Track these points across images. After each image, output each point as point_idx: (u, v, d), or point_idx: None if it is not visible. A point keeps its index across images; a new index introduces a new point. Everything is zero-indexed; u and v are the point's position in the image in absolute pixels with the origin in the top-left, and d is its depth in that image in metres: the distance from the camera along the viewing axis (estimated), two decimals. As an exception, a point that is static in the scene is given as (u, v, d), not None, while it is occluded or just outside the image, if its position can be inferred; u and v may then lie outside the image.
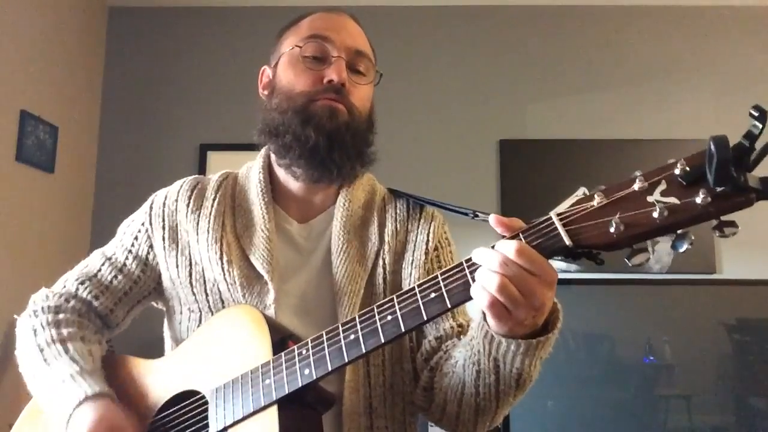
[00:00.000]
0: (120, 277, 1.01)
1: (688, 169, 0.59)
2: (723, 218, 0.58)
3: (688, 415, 2.33)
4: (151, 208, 1.04)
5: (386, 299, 0.75)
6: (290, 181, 1.01)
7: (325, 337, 0.78)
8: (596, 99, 3.05)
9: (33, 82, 2.60)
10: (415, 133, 3.02)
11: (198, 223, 0.99)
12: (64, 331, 0.94)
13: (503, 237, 0.69)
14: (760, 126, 0.54)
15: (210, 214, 1.00)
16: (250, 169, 1.06)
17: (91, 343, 0.95)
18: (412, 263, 0.98)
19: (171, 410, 0.90)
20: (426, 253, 0.99)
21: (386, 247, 0.99)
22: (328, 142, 0.93)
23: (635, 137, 2.95)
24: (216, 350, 0.88)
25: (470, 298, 0.69)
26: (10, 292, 2.36)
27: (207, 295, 0.97)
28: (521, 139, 3.01)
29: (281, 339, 0.83)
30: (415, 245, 1.00)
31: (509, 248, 0.65)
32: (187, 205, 1.01)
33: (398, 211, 1.03)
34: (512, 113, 3.06)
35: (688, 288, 2.45)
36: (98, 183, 3.05)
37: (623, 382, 2.38)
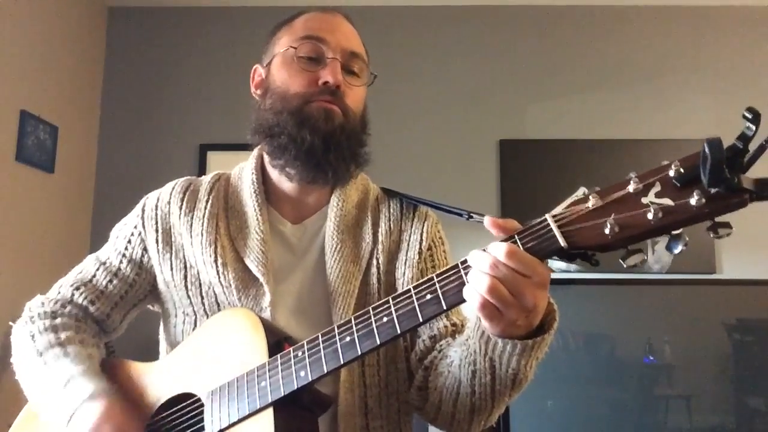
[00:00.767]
0: (115, 281, 1.01)
1: (682, 170, 0.59)
2: (717, 219, 0.59)
3: (688, 415, 2.33)
4: (143, 210, 1.03)
5: (382, 301, 0.75)
6: (284, 182, 1.01)
7: (320, 339, 0.78)
8: (596, 99, 3.05)
9: (33, 82, 2.60)
10: (414, 133, 3.02)
11: (191, 226, 0.99)
12: (62, 335, 0.94)
13: (502, 239, 0.69)
14: (754, 128, 0.55)
15: (203, 216, 0.99)
16: (243, 169, 1.06)
17: (90, 347, 0.95)
18: (405, 263, 0.98)
19: (167, 413, 0.90)
20: (420, 253, 0.99)
21: (380, 247, 0.99)
22: (324, 144, 0.93)
23: (635, 137, 2.95)
24: (212, 353, 0.88)
25: (465, 300, 0.69)
26: (10, 291, 2.36)
27: (202, 298, 0.97)
28: (521, 139, 3.01)
29: (277, 341, 0.83)
30: (408, 245, 1.00)
31: (499, 250, 0.65)
32: (180, 207, 1.01)
33: (392, 210, 1.03)
34: (512, 113, 3.06)
35: (688, 288, 2.44)
36: (98, 183, 3.05)
37: (623, 382, 2.38)
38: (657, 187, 0.61)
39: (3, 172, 2.42)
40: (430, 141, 3.03)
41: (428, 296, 0.71)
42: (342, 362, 0.76)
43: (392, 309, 0.73)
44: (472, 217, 0.91)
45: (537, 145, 2.99)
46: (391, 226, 1.01)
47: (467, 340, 0.81)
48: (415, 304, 0.72)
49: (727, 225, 0.58)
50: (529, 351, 0.72)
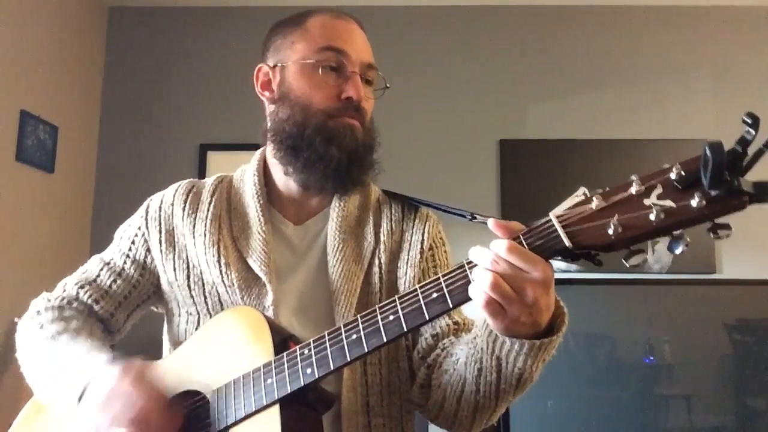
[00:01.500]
0: (119, 281, 1.02)
1: (683, 173, 0.60)
2: (717, 221, 0.60)
3: (688, 415, 2.33)
4: (147, 212, 1.04)
5: (388, 300, 0.76)
6: (289, 185, 1.02)
7: (327, 337, 0.79)
8: (596, 99, 3.05)
9: (33, 82, 2.60)
10: (415, 133, 3.02)
11: (194, 227, 1.00)
12: (72, 323, 0.94)
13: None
14: (753, 132, 0.56)
15: (206, 217, 1.00)
16: (245, 172, 1.07)
17: (98, 339, 0.96)
18: (407, 262, 0.99)
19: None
20: (421, 253, 1.00)
21: (382, 247, 0.99)
22: (349, 160, 0.95)
23: (635, 137, 2.95)
24: (217, 351, 0.89)
25: (471, 298, 0.70)
26: (10, 291, 2.36)
27: (205, 297, 0.98)
28: (521, 139, 3.01)
29: (282, 340, 0.84)
30: (410, 245, 1.01)
31: (501, 246, 0.67)
32: (183, 209, 1.02)
33: (393, 211, 1.04)
34: (512, 113, 3.06)
35: (688, 288, 2.45)
36: (98, 183, 3.05)
37: (623, 382, 2.38)
38: (659, 189, 0.62)
39: (3, 172, 2.42)
40: (430, 141, 3.03)
41: (434, 294, 0.72)
42: (349, 359, 0.77)
43: (399, 307, 0.74)
44: (475, 218, 0.92)
45: (537, 145, 2.99)
46: (393, 226, 1.02)
47: (474, 338, 0.81)
48: (422, 302, 0.73)
49: (726, 226, 0.60)
50: (537, 351, 0.73)
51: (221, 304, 0.97)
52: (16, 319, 1.02)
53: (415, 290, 0.74)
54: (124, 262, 1.02)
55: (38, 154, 2.61)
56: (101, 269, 1.03)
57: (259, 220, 0.99)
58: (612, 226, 0.63)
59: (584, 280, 2.65)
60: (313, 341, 0.80)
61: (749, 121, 0.56)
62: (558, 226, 0.66)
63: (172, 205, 1.03)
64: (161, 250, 1.01)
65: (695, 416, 2.33)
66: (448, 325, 0.95)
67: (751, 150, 0.57)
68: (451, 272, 0.72)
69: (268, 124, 1.02)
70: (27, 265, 2.52)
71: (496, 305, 0.67)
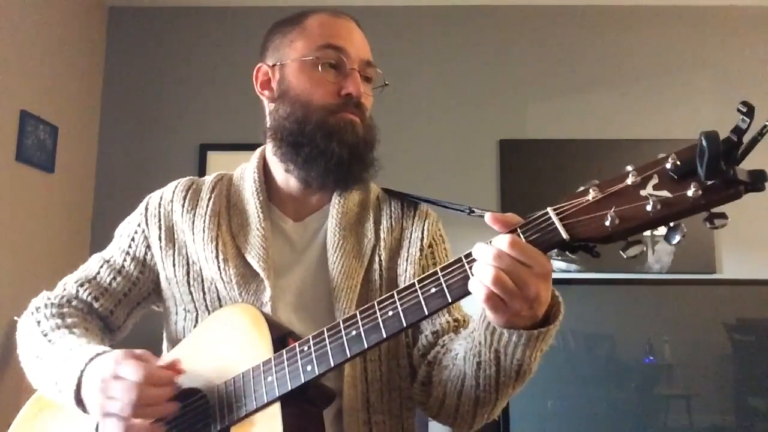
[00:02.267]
0: (119, 278, 1.02)
1: (679, 163, 0.61)
2: (713, 210, 0.60)
3: (688, 415, 2.33)
4: (146, 209, 1.05)
5: (387, 295, 0.76)
6: (289, 182, 1.02)
7: (326, 334, 0.79)
8: (596, 99, 3.05)
9: (33, 82, 2.60)
10: (415, 133, 3.02)
11: (194, 223, 1.01)
12: (69, 320, 0.95)
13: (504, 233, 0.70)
14: (748, 121, 0.56)
15: (205, 213, 1.01)
16: (245, 169, 1.08)
17: (96, 336, 0.96)
18: (407, 259, 0.99)
19: None
20: (421, 250, 1.00)
21: (382, 244, 1.00)
22: (350, 156, 0.95)
23: (635, 137, 2.95)
24: (215, 348, 0.88)
25: (470, 292, 0.70)
26: (10, 291, 2.36)
27: (204, 293, 0.98)
28: (521, 139, 3.01)
29: (281, 336, 0.84)
30: (410, 242, 1.01)
31: (503, 241, 0.67)
32: (182, 206, 1.03)
33: (393, 208, 1.04)
34: (512, 113, 3.06)
35: (688, 288, 2.45)
36: (98, 183, 3.05)
37: (623, 382, 2.38)
38: (655, 180, 0.62)
39: (3, 172, 2.42)
40: (430, 141, 3.03)
41: (433, 290, 0.72)
42: (349, 356, 0.77)
43: (397, 303, 0.74)
44: (473, 212, 0.93)
45: (537, 145, 2.99)
46: (393, 223, 1.02)
47: (472, 332, 0.82)
48: (420, 297, 0.73)
49: (723, 215, 0.60)
50: (534, 342, 0.73)
51: (219, 301, 0.97)
52: (15, 318, 1.03)
53: (414, 285, 0.74)
54: (124, 260, 1.03)
55: (38, 154, 2.60)
56: (101, 267, 1.03)
57: (258, 216, 0.99)
58: (609, 218, 0.63)
59: (584, 280, 2.65)
60: (312, 338, 0.80)
61: (744, 109, 0.56)
62: (555, 219, 0.67)
63: (172, 201, 1.04)
64: (161, 247, 1.01)
65: (695, 416, 2.33)
66: (448, 322, 0.96)
67: (746, 139, 0.57)
68: (449, 267, 0.72)
69: (268, 123, 1.03)
70: (27, 265, 2.52)
71: (498, 300, 0.67)
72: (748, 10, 3.06)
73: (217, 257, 0.96)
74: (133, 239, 1.04)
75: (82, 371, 0.82)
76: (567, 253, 0.69)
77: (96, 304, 1.01)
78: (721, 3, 3.06)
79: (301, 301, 0.97)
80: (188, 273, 1.00)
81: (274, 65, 1.02)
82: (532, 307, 0.69)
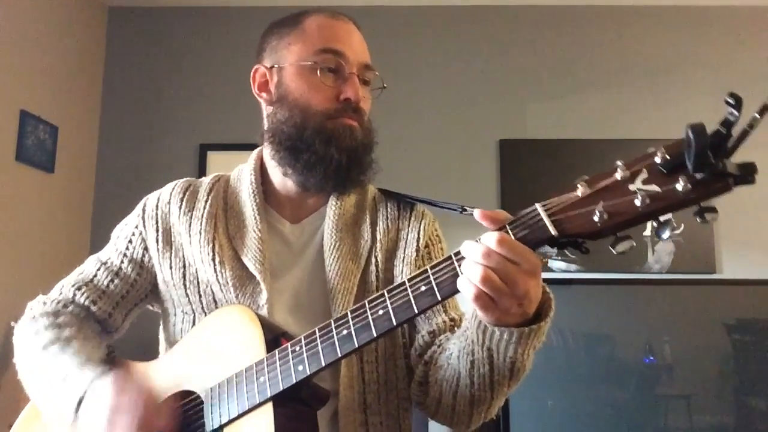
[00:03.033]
0: (116, 281, 1.02)
1: (668, 157, 0.60)
2: (703, 204, 0.60)
3: (688, 415, 2.33)
4: (143, 210, 1.04)
5: (377, 294, 0.76)
6: (286, 185, 1.02)
7: (318, 334, 0.79)
8: (596, 99, 3.05)
9: (33, 82, 2.60)
10: (414, 133, 3.02)
11: (191, 225, 1.00)
12: (66, 332, 0.94)
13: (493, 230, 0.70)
14: (737, 113, 0.56)
15: (202, 215, 1.01)
16: (242, 171, 1.07)
17: (92, 344, 0.95)
18: (403, 260, 0.99)
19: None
20: (417, 251, 1.00)
21: (378, 245, 1.00)
22: (348, 161, 0.95)
23: (635, 137, 2.94)
24: (209, 350, 0.88)
25: (459, 291, 0.70)
26: (10, 291, 2.36)
27: (200, 296, 0.98)
28: (521, 139, 3.01)
29: (274, 337, 0.84)
30: (406, 243, 1.01)
31: (491, 239, 0.67)
32: (180, 207, 1.02)
33: (389, 209, 1.04)
34: (512, 113, 3.06)
35: (688, 288, 2.45)
36: (98, 183, 3.05)
37: (623, 382, 2.38)
38: (644, 174, 0.62)
39: (3, 172, 2.42)
40: (430, 141, 3.02)
41: (423, 288, 0.72)
42: (339, 355, 0.76)
43: (387, 302, 0.74)
44: (465, 210, 0.93)
45: (537, 145, 2.99)
46: (389, 224, 1.02)
47: (465, 331, 0.82)
48: (410, 296, 0.73)
49: (713, 209, 0.59)
50: (526, 339, 0.74)
51: (216, 303, 0.97)
52: (12, 323, 1.02)
53: (404, 284, 0.74)
54: (122, 262, 1.02)
55: (38, 154, 2.60)
56: (98, 269, 1.03)
57: (255, 218, 0.99)
58: (598, 213, 0.63)
59: (584, 280, 2.65)
60: (304, 337, 0.80)
61: (732, 101, 0.56)
62: (543, 215, 0.67)
63: (169, 203, 1.03)
64: (158, 249, 1.01)
65: (695, 416, 2.33)
66: (444, 321, 0.96)
67: (736, 132, 0.57)
68: (438, 265, 0.72)
69: (266, 126, 1.02)
70: (27, 265, 2.52)
71: (487, 298, 0.67)
72: (748, 10, 3.06)
73: (213, 259, 0.96)
74: (130, 241, 1.03)
75: (78, 405, 0.83)
76: (556, 249, 0.68)
77: (93, 308, 1.00)
78: (721, 3, 3.06)
79: (298, 303, 0.97)
80: (184, 275, 0.99)
81: (271, 67, 1.01)
82: (522, 304, 0.69)
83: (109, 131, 3.09)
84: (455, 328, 0.95)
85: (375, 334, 0.74)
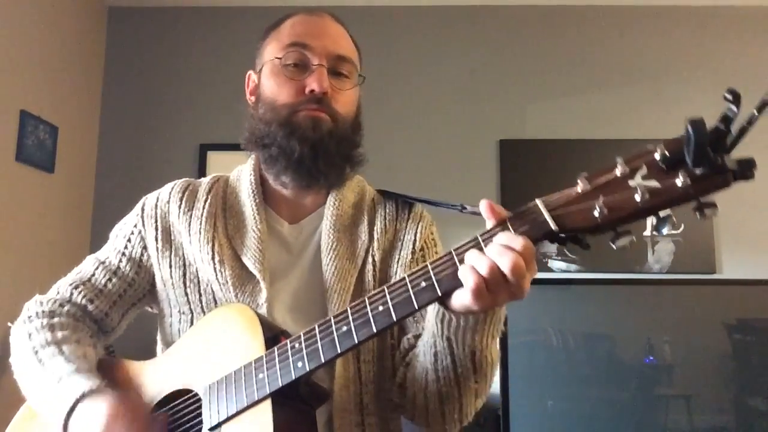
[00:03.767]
0: (114, 280, 1.01)
1: (667, 153, 0.61)
2: (703, 199, 0.60)
3: (688, 415, 2.33)
4: (142, 210, 1.04)
5: (377, 290, 0.76)
6: (280, 185, 1.02)
7: (317, 330, 0.79)
8: (596, 99, 3.05)
9: (33, 82, 2.60)
10: (414, 133, 3.02)
11: (190, 224, 1.00)
12: (59, 334, 0.93)
13: (493, 224, 0.71)
14: (735, 109, 0.57)
15: (202, 215, 1.01)
16: (241, 171, 1.07)
17: (86, 346, 0.95)
18: (398, 262, 1.00)
19: (164, 409, 0.90)
20: (412, 253, 1.00)
21: (375, 245, 1.00)
22: (313, 152, 0.94)
23: (635, 137, 2.94)
24: (208, 348, 0.88)
25: (459, 285, 0.70)
26: (9, 291, 2.36)
27: (200, 295, 0.98)
28: (521, 139, 3.01)
29: (274, 336, 0.83)
30: (402, 244, 1.01)
31: (510, 239, 0.67)
32: (179, 207, 1.02)
33: (387, 210, 1.04)
34: (512, 113, 3.06)
35: (688, 288, 2.45)
36: (98, 183, 3.05)
37: (623, 382, 2.38)
38: (643, 170, 0.62)
39: (3, 172, 2.42)
40: (430, 141, 3.03)
41: (423, 284, 0.72)
42: (339, 351, 0.76)
43: (388, 297, 0.74)
44: (465, 208, 0.92)
45: (537, 145, 2.99)
46: (387, 225, 1.02)
47: (427, 323, 0.83)
48: (411, 291, 0.72)
49: (712, 205, 0.60)
50: (482, 324, 0.75)
51: (216, 302, 0.97)
52: (9, 324, 1.01)
53: (404, 279, 0.74)
54: (120, 260, 1.02)
55: (38, 154, 2.60)
56: (96, 268, 1.02)
57: (255, 218, 0.99)
58: (597, 208, 0.63)
59: (584, 280, 2.65)
60: (304, 334, 0.79)
61: (730, 97, 0.57)
62: (544, 210, 0.67)
63: (168, 203, 1.03)
64: (157, 248, 1.01)
65: (695, 416, 2.33)
66: None
67: (736, 128, 0.57)
68: (438, 260, 0.72)
69: (246, 126, 1.04)
70: (27, 265, 2.52)
71: (485, 291, 0.68)
72: (748, 10, 3.06)
73: (213, 259, 0.96)
74: (129, 240, 1.03)
75: (68, 414, 0.83)
76: (557, 244, 0.69)
77: (90, 307, 1.00)
78: (721, 3, 3.06)
79: (296, 303, 0.97)
80: (185, 274, 0.99)
81: (257, 71, 1.03)
82: (515, 298, 0.70)
83: (109, 131, 3.09)
84: None
85: (375, 330, 0.74)
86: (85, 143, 3.00)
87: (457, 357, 0.80)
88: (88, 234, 2.98)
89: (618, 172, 0.64)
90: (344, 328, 0.76)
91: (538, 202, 0.68)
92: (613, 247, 0.65)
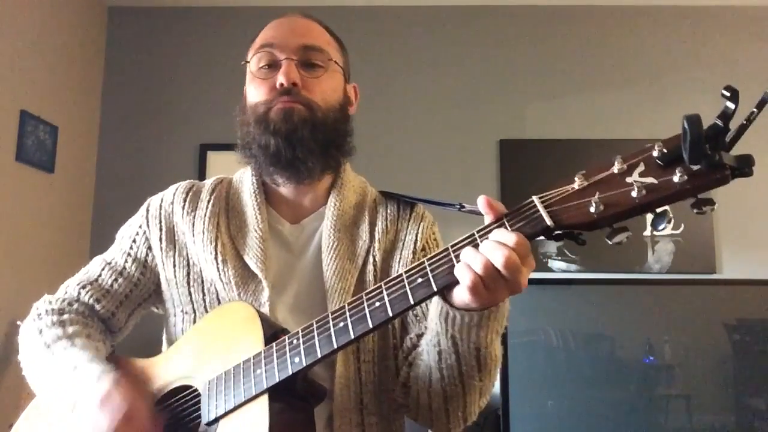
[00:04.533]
0: (120, 280, 1.03)
1: (665, 150, 0.61)
2: (700, 196, 0.60)
3: (688, 415, 2.33)
4: (147, 210, 1.06)
5: (375, 286, 0.77)
6: (279, 185, 1.03)
7: (315, 326, 0.79)
8: (596, 99, 3.05)
9: (33, 82, 2.60)
10: (415, 133, 3.02)
11: (194, 225, 1.02)
12: (70, 329, 0.95)
13: (491, 220, 0.72)
14: (733, 106, 0.56)
15: (205, 215, 1.02)
16: (244, 173, 1.09)
17: (97, 341, 0.96)
18: (399, 261, 1.00)
19: (164, 405, 0.90)
20: (414, 253, 1.01)
21: (377, 245, 1.00)
22: (287, 143, 0.95)
23: (635, 137, 2.94)
24: (209, 346, 0.89)
25: (454, 281, 0.70)
26: (10, 291, 2.36)
27: (204, 294, 0.99)
28: (521, 139, 3.01)
29: (273, 333, 0.84)
30: (403, 244, 1.02)
31: (508, 237, 0.68)
32: (183, 207, 1.03)
33: (389, 210, 1.05)
34: (512, 113, 3.06)
35: (688, 288, 2.45)
36: (98, 183, 3.05)
37: (623, 382, 2.38)
38: (641, 167, 0.62)
39: (3, 172, 2.42)
40: (430, 141, 3.03)
41: (419, 279, 0.73)
42: (335, 347, 0.76)
43: (384, 293, 0.75)
44: (464, 207, 0.92)
45: (537, 145, 2.99)
46: (388, 225, 1.03)
47: (430, 322, 0.83)
48: (407, 288, 0.73)
49: (710, 201, 0.60)
50: (486, 320, 0.75)
51: (218, 302, 0.97)
52: (18, 322, 1.03)
53: (401, 276, 0.74)
54: (125, 261, 1.04)
55: (38, 154, 2.61)
56: (103, 269, 1.04)
57: (257, 218, 1.00)
58: (594, 204, 0.63)
59: (584, 280, 2.65)
60: (302, 330, 0.80)
61: (728, 94, 0.56)
62: (540, 207, 0.67)
63: (172, 203, 1.05)
64: (162, 248, 1.02)
65: (695, 416, 2.33)
66: None
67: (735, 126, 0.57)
68: (435, 257, 0.73)
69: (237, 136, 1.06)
70: (27, 266, 2.52)
71: (482, 287, 0.68)
72: (748, 10, 3.06)
73: (216, 258, 0.97)
74: (134, 240, 1.04)
75: (79, 396, 0.85)
76: (552, 240, 0.69)
77: (97, 306, 1.01)
78: (721, 3, 3.06)
79: (298, 302, 0.97)
80: (188, 274, 1.00)
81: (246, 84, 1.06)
82: (514, 292, 0.70)
83: (109, 131, 3.09)
84: None
85: (371, 326, 0.74)
86: (85, 143, 3.01)
87: (461, 355, 0.80)
88: (88, 234, 2.98)
89: (615, 168, 0.64)
90: (341, 324, 0.77)
91: (534, 198, 0.69)
92: (609, 243, 0.65)
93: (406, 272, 0.74)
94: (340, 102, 1.03)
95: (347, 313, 0.77)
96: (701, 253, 2.87)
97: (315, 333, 0.78)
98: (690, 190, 0.59)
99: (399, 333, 0.99)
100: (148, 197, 1.09)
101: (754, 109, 0.56)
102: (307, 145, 0.96)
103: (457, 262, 0.70)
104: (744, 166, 0.58)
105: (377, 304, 0.75)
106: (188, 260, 1.01)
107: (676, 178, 0.59)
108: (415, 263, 0.74)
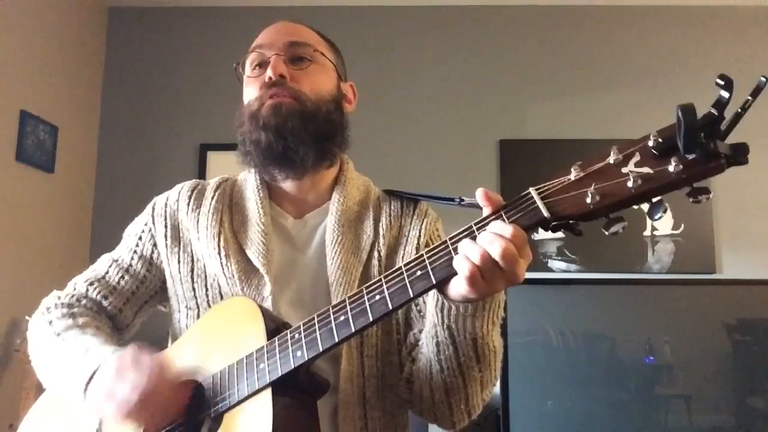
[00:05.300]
0: (126, 277, 1.05)
1: (660, 140, 0.61)
2: (696, 185, 0.60)
3: (688, 415, 2.33)
4: (153, 209, 1.08)
5: (375, 280, 0.77)
6: (277, 181, 1.04)
7: (316, 320, 0.80)
8: (596, 99, 3.05)
9: (33, 82, 2.60)
10: (415, 132, 3.02)
11: (198, 221, 1.03)
12: (80, 320, 0.97)
13: (489, 212, 0.72)
14: (727, 95, 0.57)
15: (209, 211, 1.03)
16: (249, 172, 1.10)
17: (106, 334, 0.98)
18: (403, 258, 1.01)
19: None
20: (417, 248, 1.01)
21: (381, 240, 1.01)
22: (278, 136, 0.96)
23: (635, 137, 2.95)
24: (212, 340, 0.90)
25: (454, 273, 0.71)
26: (10, 291, 2.36)
27: (207, 289, 1.00)
28: (521, 139, 3.02)
29: (276, 327, 0.85)
30: (407, 239, 1.02)
31: (504, 228, 0.68)
32: (188, 205, 1.05)
33: (393, 207, 1.06)
34: (512, 113, 3.06)
35: (688, 288, 2.44)
36: (98, 183, 3.05)
37: (623, 382, 2.38)
38: (636, 157, 0.63)
39: (3, 172, 2.42)
40: (430, 141, 3.03)
41: (418, 272, 0.73)
42: (337, 340, 0.77)
43: (384, 287, 0.75)
44: (463, 201, 0.93)
45: (537, 145, 2.99)
46: (392, 221, 1.04)
47: (427, 314, 0.83)
48: (406, 280, 0.74)
49: (705, 190, 0.60)
50: (482, 311, 0.76)
51: (221, 297, 0.99)
52: (27, 317, 1.04)
53: (400, 269, 0.75)
54: (132, 258, 1.05)
55: (38, 154, 2.61)
56: (109, 266, 1.06)
57: (259, 212, 1.01)
58: (590, 195, 0.64)
59: (584, 280, 2.65)
60: (303, 324, 0.81)
61: (722, 83, 0.57)
62: (536, 198, 0.68)
63: (178, 201, 1.07)
64: (167, 245, 1.04)
65: (695, 416, 2.33)
66: None
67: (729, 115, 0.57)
68: (434, 249, 0.73)
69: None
70: (27, 265, 2.51)
71: (479, 278, 0.68)
72: (748, 10, 3.07)
73: (219, 253, 0.98)
74: (140, 238, 1.06)
75: (94, 372, 0.84)
76: (549, 231, 0.69)
77: (105, 303, 1.03)
78: (721, 3, 3.06)
79: (300, 296, 0.98)
80: (192, 269, 1.02)
81: None
82: (512, 283, 0.70)
83: (109, 131, 3.09)
84: None
85: (371, 319, 0.75)
86: (85, 143, 3.01)
87: (459, 345, 0.81)
88: (88, 234, 2.98)
89: (611, 159, 0.64)
90: (342, 318, 0.77)
91: (531, 190, 0.69)
92: (606, 233, 0.65)
93: (405, 265, 0.75)
94: (332, 94, 1.04)
95: (348, 307, 0.77)
96: (701, 253, 2.87)
97: (316, 327, 0.79)
98: (685, 179, 0.60)
99: (403, 329, 0.99)
100: (148, 197, 1.11)
101: (749, 97, 0.56)
102: (298, 135, 0.97)
103: (456, 254, 0.70)
104: (739, 155, 0.58)
105: (377, 297, 0.75)
106: (192, 256, 1.02)
107: (671, 168, 0.59)
108: (415, 256, 0.75)
